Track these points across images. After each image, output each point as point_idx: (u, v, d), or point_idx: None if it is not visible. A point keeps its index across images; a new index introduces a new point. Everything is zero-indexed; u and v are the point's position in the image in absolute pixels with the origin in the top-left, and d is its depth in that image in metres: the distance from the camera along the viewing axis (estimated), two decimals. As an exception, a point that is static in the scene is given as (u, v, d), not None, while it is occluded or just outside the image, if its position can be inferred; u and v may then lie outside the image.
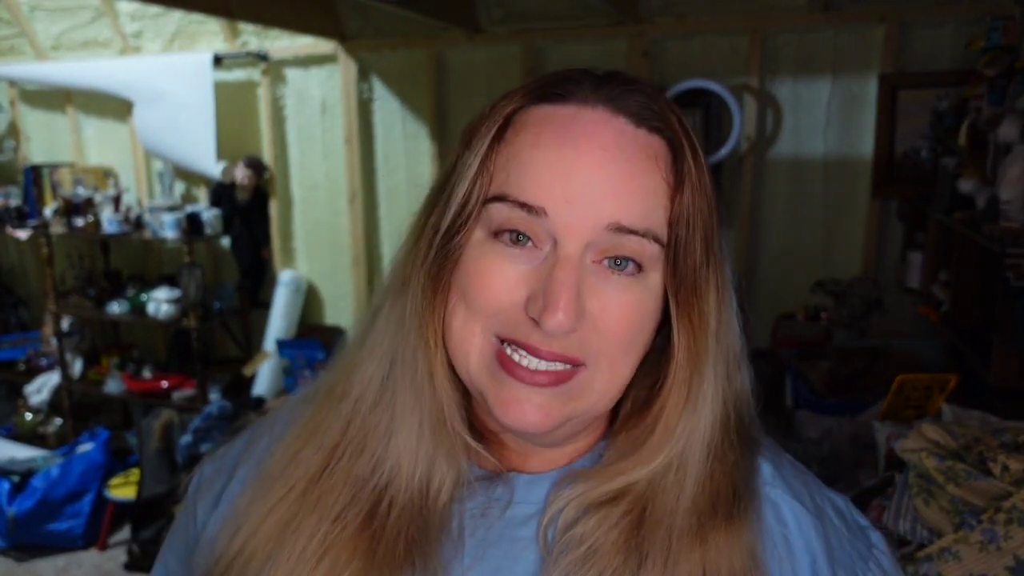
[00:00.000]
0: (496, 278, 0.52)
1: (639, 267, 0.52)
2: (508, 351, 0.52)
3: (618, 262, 0.52)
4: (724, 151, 2.86)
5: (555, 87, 0.54)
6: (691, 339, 0.53)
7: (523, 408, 0.51)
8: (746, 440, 0.58)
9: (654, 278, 0.53)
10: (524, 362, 0.52)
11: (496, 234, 0.52)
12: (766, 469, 0.59)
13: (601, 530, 0.53)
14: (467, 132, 0.56)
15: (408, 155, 3.53)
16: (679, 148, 0.53)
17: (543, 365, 0.52)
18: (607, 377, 0.53)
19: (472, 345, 0.53)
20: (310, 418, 0.60)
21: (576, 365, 0.52)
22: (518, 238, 0.52)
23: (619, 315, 0.52)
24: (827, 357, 2.53)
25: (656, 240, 0.52)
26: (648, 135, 0.53)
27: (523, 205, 0.51)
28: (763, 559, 0.54)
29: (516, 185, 0.51)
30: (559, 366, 0.52)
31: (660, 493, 0.53)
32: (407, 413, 0.55)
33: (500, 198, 0.52)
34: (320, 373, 0.64)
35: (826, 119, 2.91)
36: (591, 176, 0.50)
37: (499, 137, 0.53)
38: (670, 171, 0.53)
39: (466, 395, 0.57)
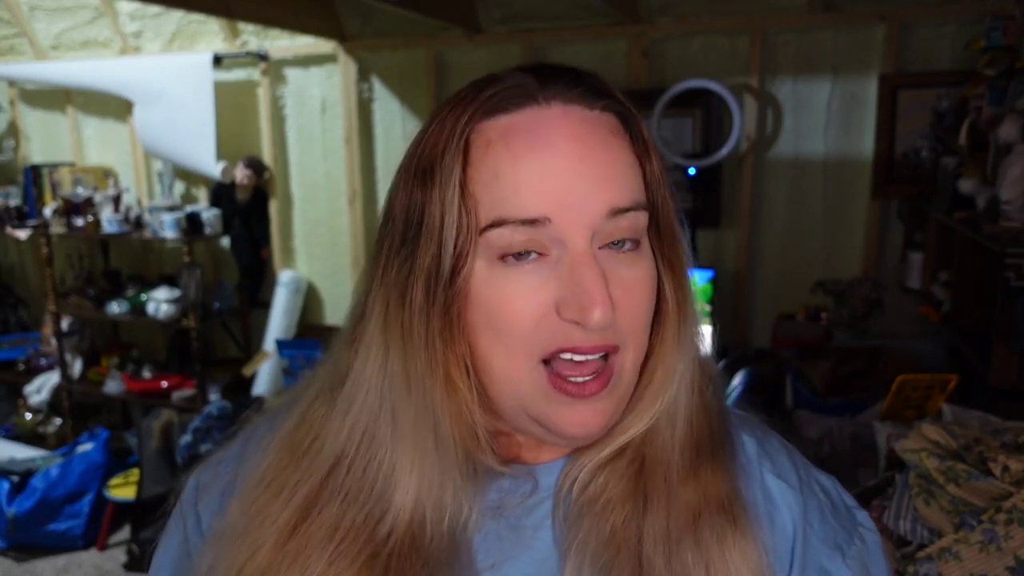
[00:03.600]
0: (520, 297, 0.51)
1: (636, 243, 0.54)
2: (556, 369, 0.52)
3: (616, 243, 0.53)
4: (724, 151, 2.86)
5: (502, 100, 0.53)
6: (675, 285, 0.57)
7: (586, 422, 0.53)
8: (713, 384, 0.62)
9: (646, 244, 0.55)
10: (574, 378, 0.52)
11: (501, 258, 0.51)
12: (751, 446, 0.61)
13: (612, 483, 0.55)
14: (421, 166, 0.53)
15: (408, 155, 3.53)
16: (630, 118, 0.55)
17: (590, 358, 0.52)
18: (634, 355, 0.55)
19: (521, 379, 0.53)
20: (269, 469, 0.58)
21: (613, 352, 0.53)
22: (523, 255, 0.52)
23: (637, 291, 0.54)
24: (827, 357, 2.54)
25: (644, 208, 0.54)
26: (602, 114, 0.54)
27: (525, 222, 0.50)
28: (745, 494, 0.57)
29: (510, 205, 0.50)
30: (600, 359, 0.53)
31: (656, 435, 0.56)
32: (414, 463, 0.53)
33: (498, 223, 0.50)
34: (284, 408, 0.62)
35: (826, 119, 2.91)
36: (578, 171, 0.51)
37: (466, 162, 0.52)
38: (632, 141, 0.55)
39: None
